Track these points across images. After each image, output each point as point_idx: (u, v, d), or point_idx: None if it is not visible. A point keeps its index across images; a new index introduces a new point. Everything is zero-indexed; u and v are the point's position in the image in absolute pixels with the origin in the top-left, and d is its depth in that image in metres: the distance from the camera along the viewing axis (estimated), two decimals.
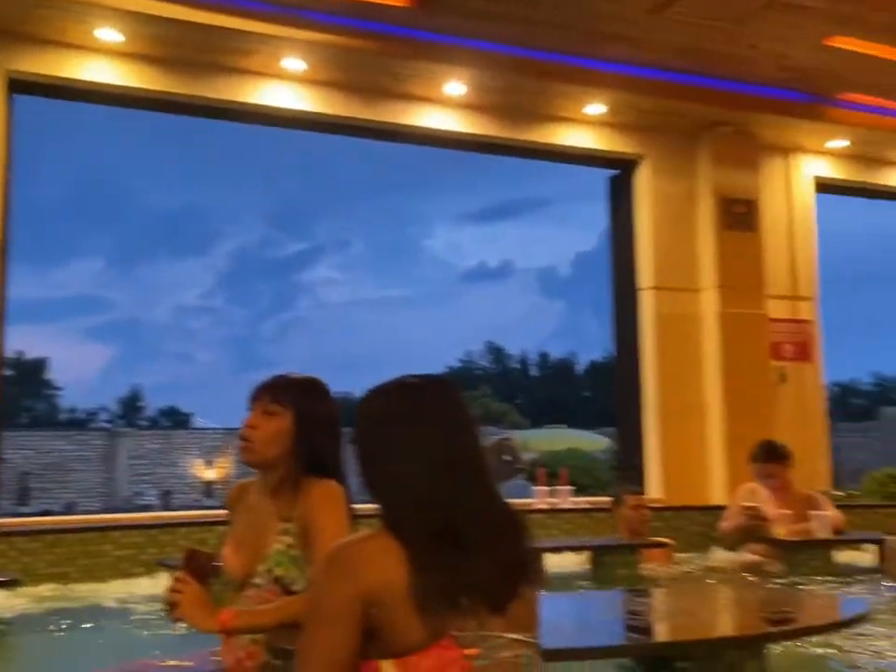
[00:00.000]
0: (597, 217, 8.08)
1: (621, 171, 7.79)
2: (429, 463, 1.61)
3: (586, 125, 7.38)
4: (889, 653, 3.24)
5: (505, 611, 1.61)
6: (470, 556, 1.58)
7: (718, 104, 7.27)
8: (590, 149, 7.48)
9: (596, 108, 7.16)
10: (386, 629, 1.53)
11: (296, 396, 2.33)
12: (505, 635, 1.61)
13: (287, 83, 6.47)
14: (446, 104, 6.93)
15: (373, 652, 1.53)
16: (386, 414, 1.66)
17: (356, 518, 2.23)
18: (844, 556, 5.54)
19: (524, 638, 1.64)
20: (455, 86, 6.72)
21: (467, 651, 1.55)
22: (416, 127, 6.93)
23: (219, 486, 19.98)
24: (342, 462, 2.26)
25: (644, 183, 7.62)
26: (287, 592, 2.18)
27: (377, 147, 7.77)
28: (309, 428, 2.29)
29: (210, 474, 21.13)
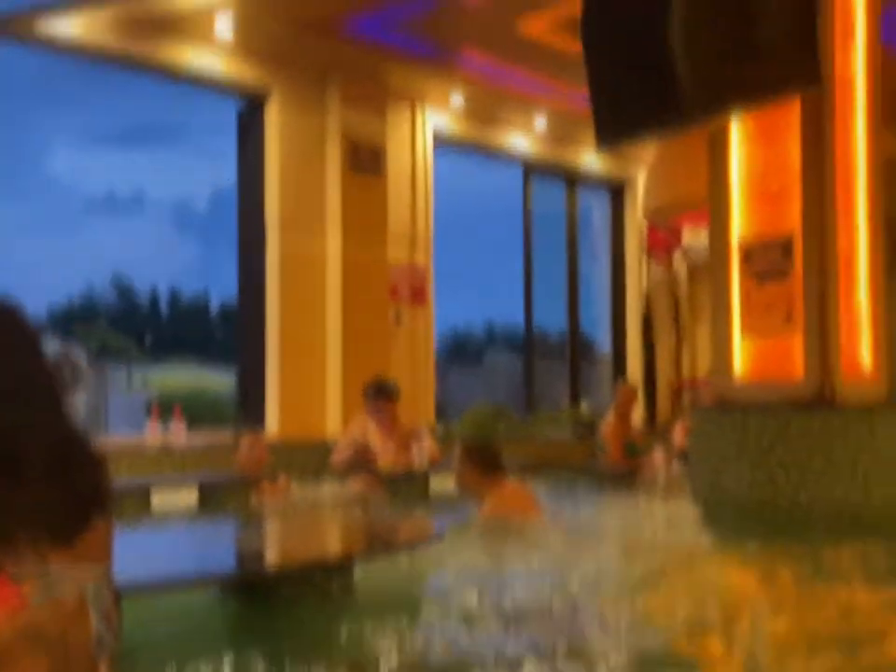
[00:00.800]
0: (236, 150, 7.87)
1: (251, 103, 7.64)
2: None
3: (216, 49, 7.11)
4: (460, 566, 3.58)
5: (72, 544, 1.53)
6: (26, 487, 1.48)
7: (348, 44, 7.37)
8: (220, 77, 7.24)
9: (225, 33, 6.93)
10: None
11: None
12: (68, 568, 1.52)
13: None
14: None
15: None
16: None
17: None
18: (438, 484, 6.02)
19: (89, 572, 1.57)
20: None
21: (22, 588, 1.46)
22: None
23: None
24: None
25: (274, 118, 7.55)
26: None
27: None
28: None
29: None
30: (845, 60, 5.30)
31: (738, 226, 5.73)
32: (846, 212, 5.27)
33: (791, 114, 5.42)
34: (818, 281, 5.28)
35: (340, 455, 6.19)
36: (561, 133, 9.36)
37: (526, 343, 9.83)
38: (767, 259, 5.58)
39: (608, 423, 7.70)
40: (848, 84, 5.30)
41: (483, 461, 4.63)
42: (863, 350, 5.27)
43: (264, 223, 7.55)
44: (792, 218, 5.48)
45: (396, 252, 8.06)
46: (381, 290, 7.87)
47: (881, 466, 4.90)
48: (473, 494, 4.63)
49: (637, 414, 8.21)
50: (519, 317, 9.75)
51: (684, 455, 7.30)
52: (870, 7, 5.31)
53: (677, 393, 9.92)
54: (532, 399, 9.67)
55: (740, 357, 5.63)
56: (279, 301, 7.45)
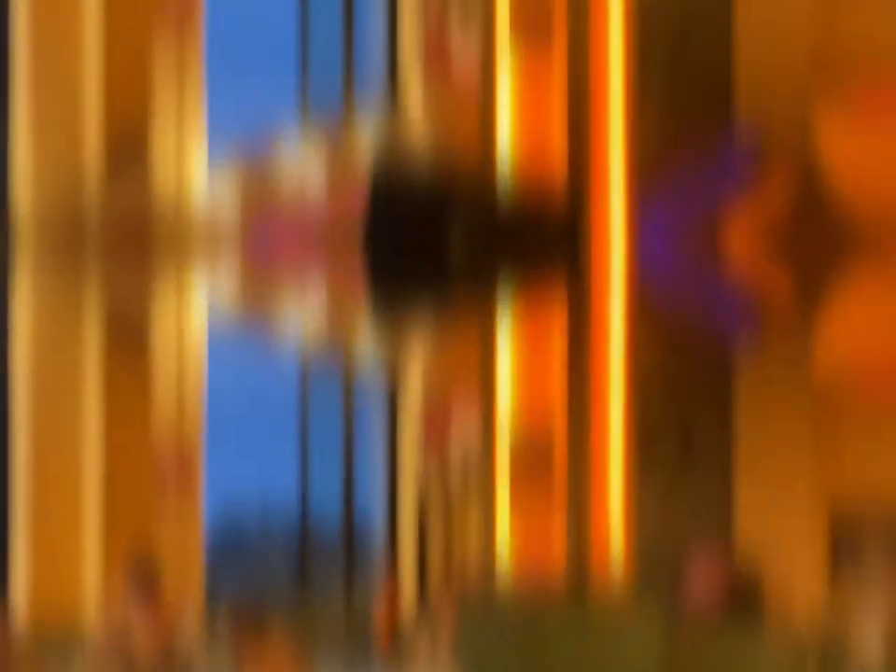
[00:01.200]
0: None
1: None
2: None
3: None
4: None
5: None
6: None
7: (110, 201, 7.23)
8: None
9: None
10: None
11: None
12: None
13: None
14: None
15: None
16: None
17: None
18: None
19: None
20: None
21: None
22: None
23: None
24: None
25: (23, 279, 7.18)
26: None
27: None
28: None
29: None
30: (604, 269, 5.83)
31: (506, 415, 5.99)
32: (601, 408, 5.66)
33: (557, 314, 5.85)
34: (576, 474, 5.56)
35: (96, 642, 5.68)
36: (337, 314, 9.53)
37: (301, 531, 9.59)
38: (532, 449, 5.85)
39: (379, 611, 7.59)
40: (606, 293, 5.83)
41: (248, 630, 4.54)
42: (616, 543, 5.53)
43: (9, 393, 7.13)
44: (556, 411, 5.81)
45: (162, 431, 7.76)
46: (145, 470, 7.50)
47: (629, 658, 5.05)
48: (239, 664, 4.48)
49: (409, 603, 8.13)
50: (294, 504, 9.56)
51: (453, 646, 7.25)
52: (627, 224, 5.91)
53: (448, 581, 9.92)
54: (305, 587, 9.36)
55: (503, 547, 5.74)
56: (27, 478, 6.94)
